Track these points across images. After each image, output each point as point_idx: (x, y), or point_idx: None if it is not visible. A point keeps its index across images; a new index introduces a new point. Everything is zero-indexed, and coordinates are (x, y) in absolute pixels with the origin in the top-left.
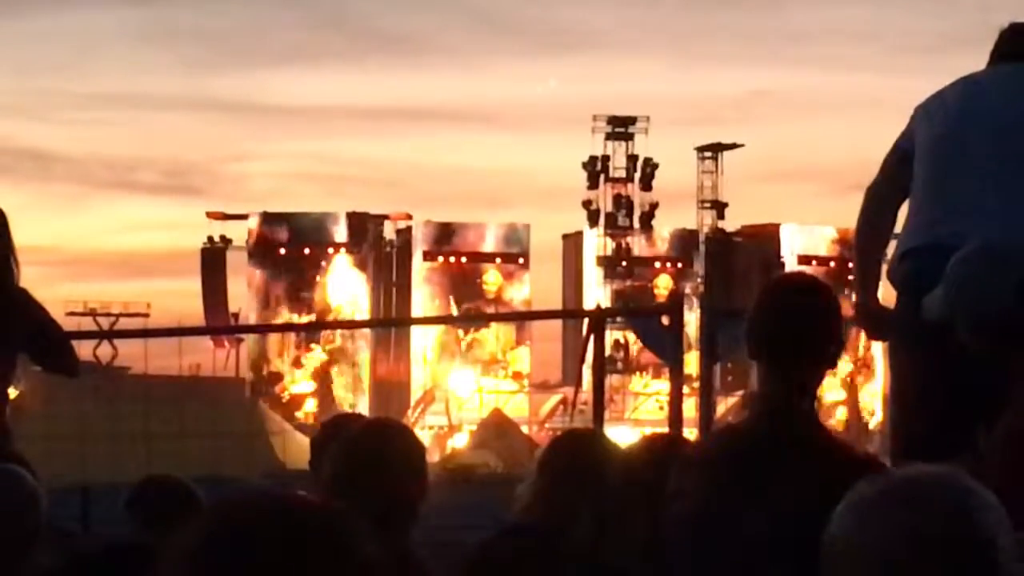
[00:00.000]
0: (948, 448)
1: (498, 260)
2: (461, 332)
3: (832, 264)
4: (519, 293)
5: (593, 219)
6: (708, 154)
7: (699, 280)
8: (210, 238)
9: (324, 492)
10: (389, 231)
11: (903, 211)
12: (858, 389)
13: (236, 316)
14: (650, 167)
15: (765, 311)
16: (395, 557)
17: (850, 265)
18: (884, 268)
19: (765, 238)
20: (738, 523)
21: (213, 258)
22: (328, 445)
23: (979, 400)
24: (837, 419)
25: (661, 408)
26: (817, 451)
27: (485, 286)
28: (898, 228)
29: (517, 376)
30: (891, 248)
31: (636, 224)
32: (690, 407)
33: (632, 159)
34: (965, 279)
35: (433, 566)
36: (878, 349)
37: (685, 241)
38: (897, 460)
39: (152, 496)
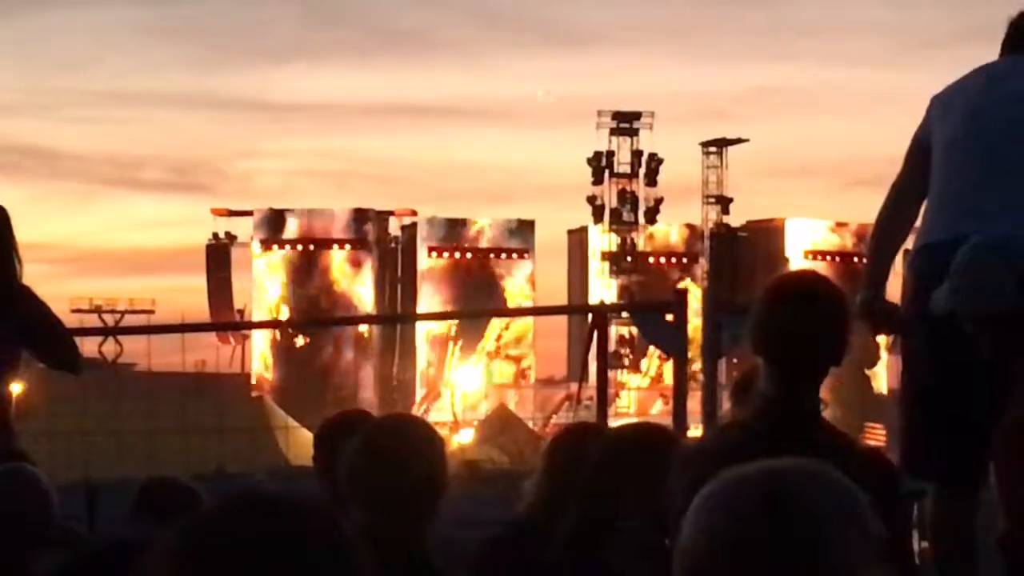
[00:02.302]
0: (954, 441)
1: (503, 256)
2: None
3: (837, 259)
4: (524, 289)
5: (598, 215)
6: (713, 149)
7: (704, 275)
8: (215, 235)
9: (340, 488)
10: (394, 227)
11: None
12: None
13: (241, 312)
14: (655, 162)
15: (769, 310)
16: (412, 554)
17: (853, 259)
18: (898, 261)
19: (770, 233)
20: None
21: (218, 255)
22: (332, 441)
23: (986, 394)
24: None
25: (666, 403)
26: (820, 448)
27: (500, 281)
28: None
29: (522, 372)
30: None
31: (641, 219)
32: (694, 402)
33: (637, 154)
34: (969, 273)
35: (443, 563)
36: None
37: (690, 236)
38: (905, 452)
39: (155, 498)
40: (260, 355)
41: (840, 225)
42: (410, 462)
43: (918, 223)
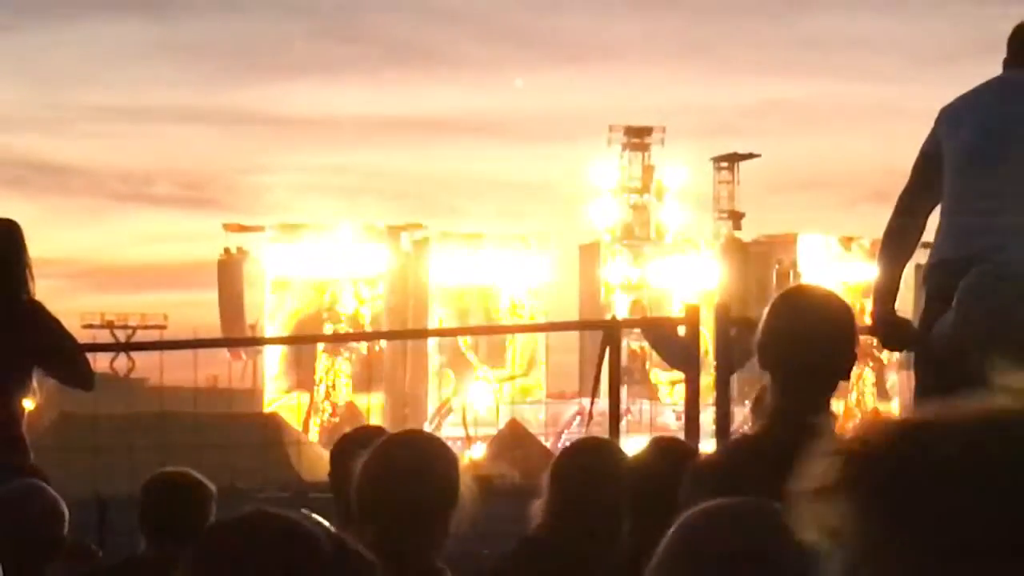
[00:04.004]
0: None
1: (513, 271)
2: (476, 342)
3: (848, 274)
4: (536, 304)
5: (610, 230)
6: (724, 164)
7: (716, 290)
8: (227, 249)
9: (351, 506)
10: (405, 242)
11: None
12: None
13: (253, 327)
14: (666, 177)
15: (776, 325)
16: (424, 572)
17: (864, 273)
18: (910, 275)
19: (782, 247)
20: None
21: (230, 269)
22: (348, 457)
23: None
24: None
25: (678, 418)
26: None
27: (504, 297)
28: (930, 234)
29: (534, 387)
30: (921, 253)
31: (652, 234)
32: (706, 417)
33: (648, 169)
34: (979, 301)
35: None
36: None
37: (701, 251)
38: None
39: (164, 499)
40: (276, 367)
41: (851, 239)
42: (422, 479)
43: (930, 237)
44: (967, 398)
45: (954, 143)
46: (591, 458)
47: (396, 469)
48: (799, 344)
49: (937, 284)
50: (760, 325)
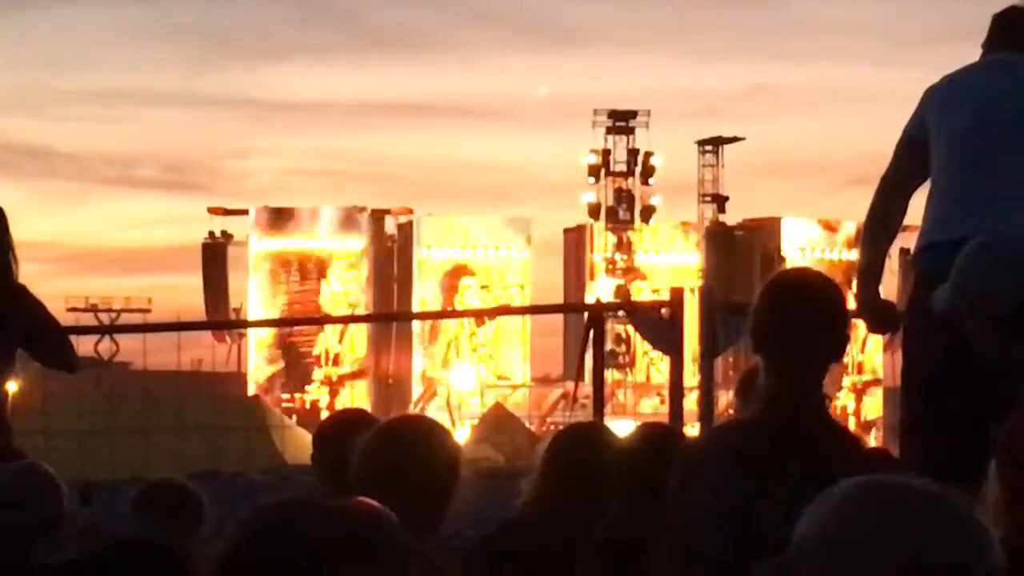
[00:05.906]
0: (956, 437)
1: (500, 254)
2: (463, 326)
3: (833, 257)
4: (521, 287)
5: (594, 213)
6: (709, 148)
7: (700, 274)
8: (211, 233)
9: (348, 488)
10: (390, 226)
11: (917, 201)
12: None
13: (237, 311)
14: (651, 161)
15: (769, 308)
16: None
17: (848, 257)
18: (894, 260)
19: (766, 231)
20: (745, 519)
21: (214, 253)
22: (332, 440)
23: (989, 389)
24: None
25: (663, 402)
26: (825, 445)
27: (488, 280)
28: (913, 218)
29: (517, 370)
30: (904, 237)
31: (637, 218)
32: (690, 401)
33: (633, 153)
34: (974, 273)
35: (441, 562)
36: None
37: (686, 235)
38: (906, 449)
39: (155, 500)
40: (257, 352)
41: (836, 223)
42: (429, 466)
43: (919, 220)
44: (960, 370)
45: (945, 124)
46: (589, 441)
47: (399, 454)
48: (791, 327)
49: (927, 266)
50: (752, 310)
